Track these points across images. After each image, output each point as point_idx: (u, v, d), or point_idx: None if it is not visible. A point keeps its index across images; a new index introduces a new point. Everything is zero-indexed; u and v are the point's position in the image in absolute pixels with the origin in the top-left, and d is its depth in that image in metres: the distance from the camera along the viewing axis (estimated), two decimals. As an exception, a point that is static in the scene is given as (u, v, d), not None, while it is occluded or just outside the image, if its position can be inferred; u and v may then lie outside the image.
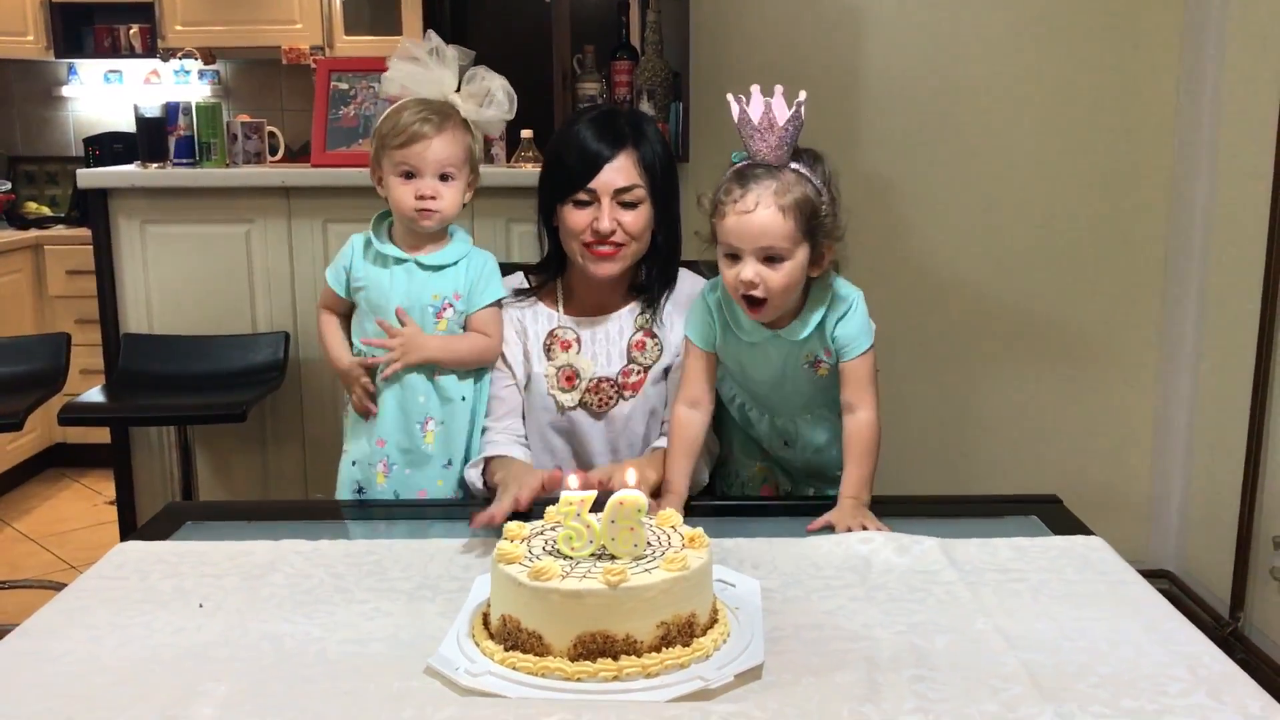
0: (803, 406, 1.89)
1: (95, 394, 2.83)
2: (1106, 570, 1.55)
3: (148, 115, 3.03)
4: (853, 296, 1.81)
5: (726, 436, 2.05)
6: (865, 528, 1.67)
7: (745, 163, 1.72)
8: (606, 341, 2.03)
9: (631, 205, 1.94)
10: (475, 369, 2.05)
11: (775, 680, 1.24)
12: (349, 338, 2.09)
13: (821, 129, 3.16)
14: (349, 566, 1.57)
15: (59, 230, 4.72)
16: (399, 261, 2.03)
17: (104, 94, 5.17)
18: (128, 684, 1.25)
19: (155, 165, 3.00)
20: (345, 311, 2.11)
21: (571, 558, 1.29)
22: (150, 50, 4.95)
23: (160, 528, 1.77)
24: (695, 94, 3.04)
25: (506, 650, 1.26)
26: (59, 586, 1.50)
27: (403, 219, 2.02)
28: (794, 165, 1.70)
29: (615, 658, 1.23)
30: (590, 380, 2.00)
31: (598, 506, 1.32)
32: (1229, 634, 2.94)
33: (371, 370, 2.04)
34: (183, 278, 2.96)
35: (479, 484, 1.96)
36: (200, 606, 1.45)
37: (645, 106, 3.08)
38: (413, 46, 2.03)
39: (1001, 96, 3.22)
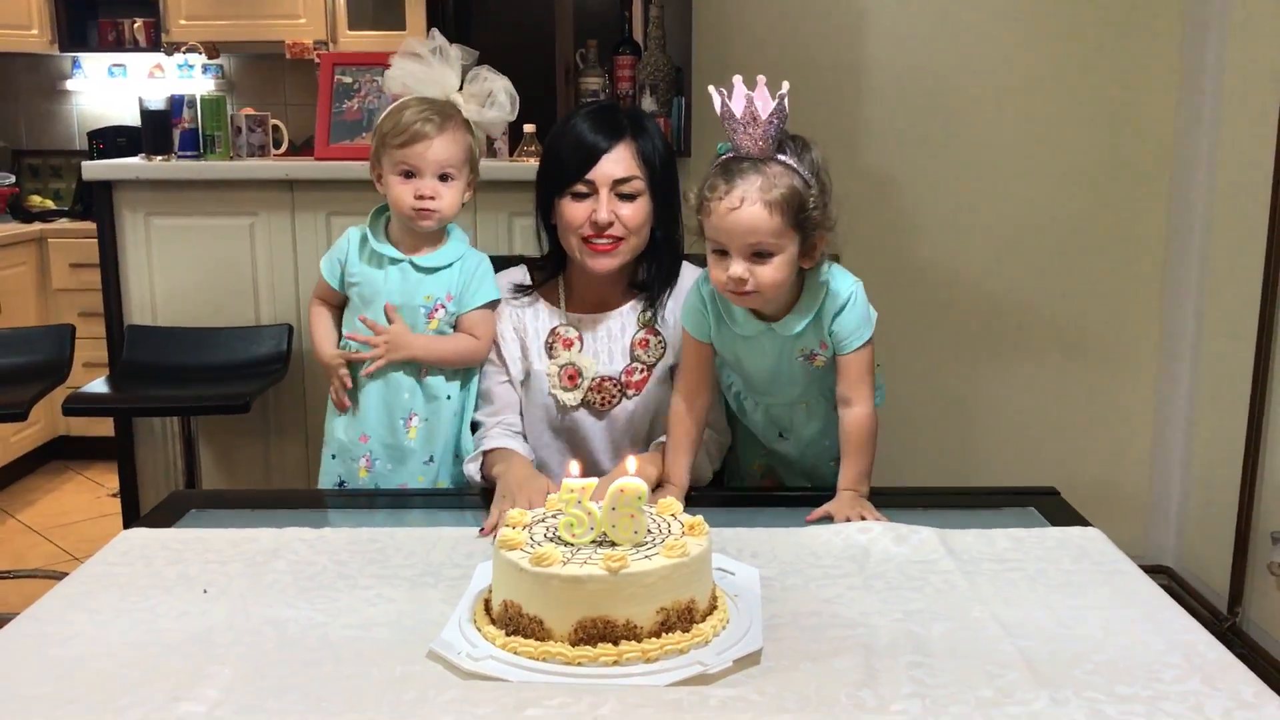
0: (798, 397, 1.88)
1: (99, 385, 2.84)
2: (1103, 560, 1.56)
3: (152, 108, 3.04)
4: (851, 289, 1.77)
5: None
6: (864, 518, 1.68)
7: (730, 155, 1.69)
8: (609, 339, 2.01)
9: (630, 197, 1.92)
10: (462, 370, 2.06)
11: (774, 666, 1.26)
12: (341, 331, 2.10)
13: (824, 124, 3.19)
14: (352, 554, 1.58)
15: (62, 224, 4.74)
16: (394, 261, 2.04)
17: (108, 88, 5.18)
18: (133, 667, 1.26)
19: (160, 158, 3.00)
20: (338, 304, 2.11)
21: (572, 544, 1.31)
22: (154, 44, 4.95)
23: (164, 515, 1.78)
24: (697, 89, 3.06)
25: (508, 635, 1.28)
26: (62, 577, 1.52)
27: (401, 217, 2.03)
28: (780, 156, 1.66)
29: (615, 643, 1.24)
30: (593, 379, 1.99)
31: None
32: (1227, 629, 2.95)
33: (354, 365, 2.04)
34: (187, 270, 2.97)
35: (477, 477, 1.96)
36: (204, 592, 1.46)
37: (647, 101, 3.09)
38: (416, 45, 2.04)
39: (1002, 92, 3.23)
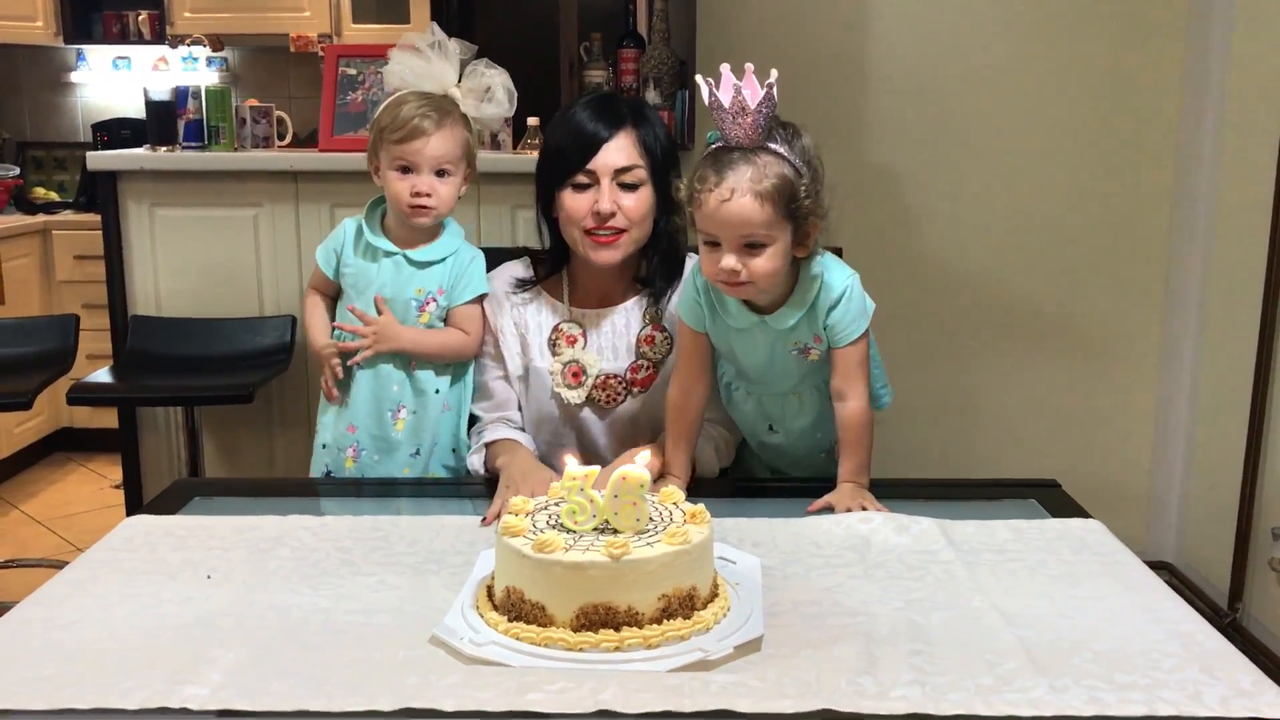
0: (791, 388, 1.87)
1: (103, 375, 2.85)
2: (1103, 551, 1.57)
3: (157, 99, 3.04)
4: (846, 282, 1.75)
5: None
6: (865, 509, 1.69)
7: (720, 145, 1.66)
8: (613, 335, 1.99)
9: (632, 187, 1.89)
10: (453, 364, 2.07)
11: (774, 653, 1.26)
12: (334, 322, 2.11)
13: (826, 117, 3.20)
14: (355, 541, 1.59)
15: (66, 215, 4.75)
16: (388, 254, 2.05)
17: (112, 80, 5.19)
18: (137, 650, 1.27)
19: (164, 149, 3.01)
20: (333, 294, 2.12)
21: (575, 531, 1.32)
22: (159, 37, 4.96)
23: (168, 503, 1.79)
24: (706, 78, 3.06)
25: (510, 621, 1.28)
26: (65, 567, 1.52)
27: (397, 212, 2.04)
28: (770, 145, 1.63)
29: (617, 629, 1.25)
30: (597, 377, 1.97)
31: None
32: (1228, 625, 2.95)
33: (345, 355, 2.04)
34: (191, 260, 2.98)
35: (481, 470, 1.97)
36: (208, 578, 1.47)
37: (651, 94, 3.10)
38: (415, 39, 2.04)
39: (1006, 88, 3.23)
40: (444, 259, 2.06)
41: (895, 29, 3.22)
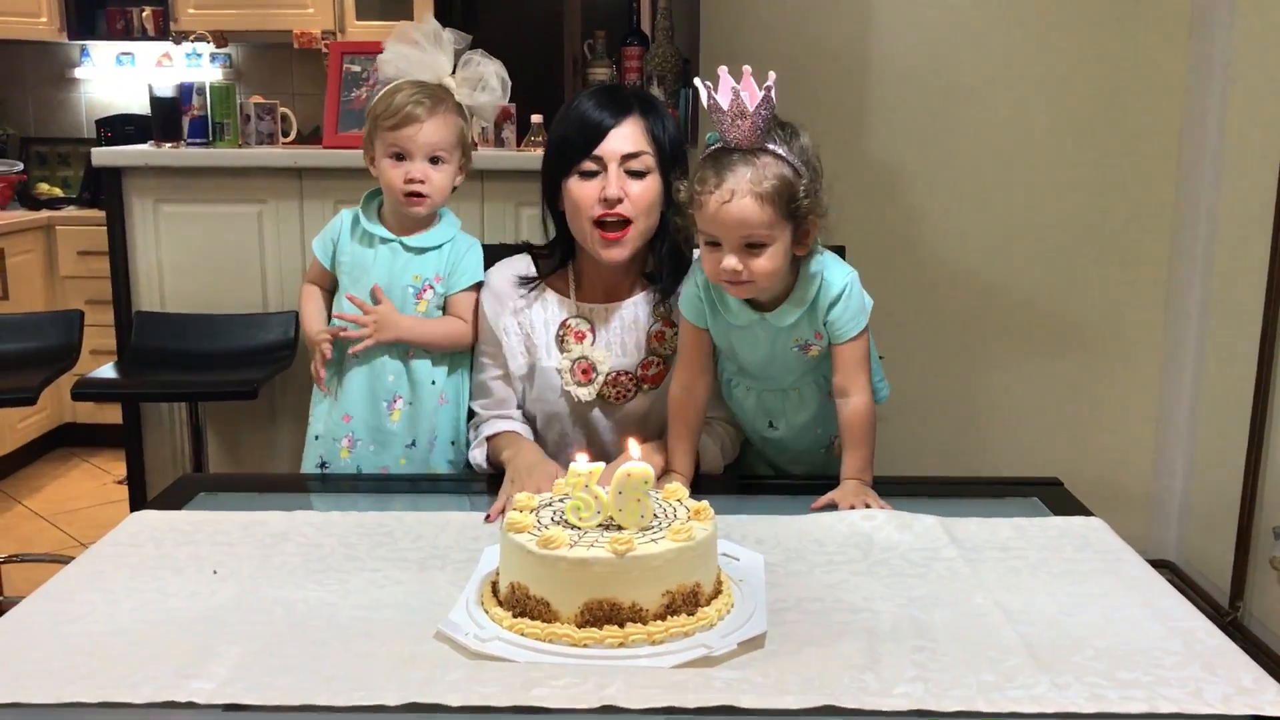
0: (791, 384, 1.87)
1: (108, 370, 2.85)
2: (1105, 549, 1.57)
3: (162, 95, 3.05)
4: (845, 280, 1.76)
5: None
6: (868, 505, 1.69)
7: (719, 146, 1.67)
8: (622, 330, 1.96)
9: (640, 174, 1.86)
10: (451, 355, 2.07)
11: (778, 649, 1.27)
12: (331, 314, 2.11)
13: (830, 115, 3.20)
14: (360, 537, 1.60)
15: (70, 211, 4.75)
16: (384, 241, 2.06)
17: (116, 76, 5.19)
18: (144, 644, 1.28)
19: (169, 145, 3.02)
20: (330, 287, 2.13)
21: (579, 528, 1.32)
22: (162, 33, 4.96)
23: (174, 498, 1.80)
24: (705, 80, 3.06)
25: (515, 617, 1.29)
26: (69, 562, 1.53)
27: (392, 200, 2.04)
28: (769, 146, 1.64)
29: (621, 625, 1.26)
30: (609, 374, 1.94)
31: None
32: (1228, 623, 2.96)
33: (341, 346, 2.05)
34: (195, 256, 2.98)
35: (484, 464, 1.97)
36: (214, 573, 1.47)
37: (655, 92, 3.10)
38: (410, 29, 2.05)
39: (1010, 86, 3.23)
40: (440, 246, 2.07)
41: (899, 27, 3.22)
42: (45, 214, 4.65)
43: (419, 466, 2.07)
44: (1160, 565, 3.28)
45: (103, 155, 2.99)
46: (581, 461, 1.36)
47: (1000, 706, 1.15)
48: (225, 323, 2.96)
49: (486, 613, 1.32)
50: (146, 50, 5.14)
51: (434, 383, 2.05)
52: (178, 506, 1.74)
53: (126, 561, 1.51)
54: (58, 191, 5.05)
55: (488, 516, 1.68)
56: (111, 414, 3.64)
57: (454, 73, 2.06)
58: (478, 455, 1.99)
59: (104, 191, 3.02)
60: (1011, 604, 1.39)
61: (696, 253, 1.96)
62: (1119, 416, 3.38)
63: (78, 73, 5.20)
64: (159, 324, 2.97)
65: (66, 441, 4.75)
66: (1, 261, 4.29)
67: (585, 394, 1.94)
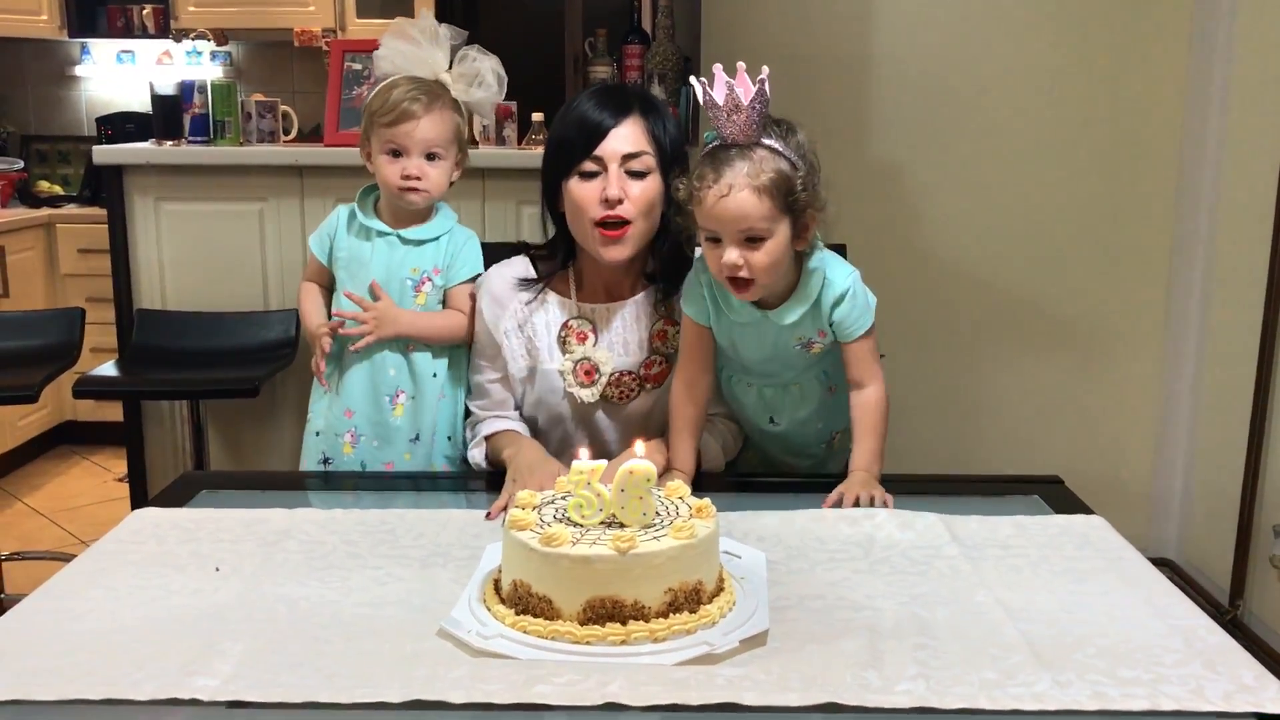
0: (792, 380, 1.88)
1: (109, 368, 2.86)
2: (1106, 547, 1.57)
3: (163, 93, 3.05)
4: (848, 280, 1.77)
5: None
6: (874, 498, 1.69)
7: (717, 143, 1.69)
8: (624, 329, 1.95)
9: (640, 175, 1.84)
10: (450, 348, 2.07)
11: (780, 647, 1.27)
12: (330, 311, 2.12)
13: (830, 114, 3.20)
14: (362, 534, 1.60)
15: (71, 209, 4.75)
16: (381, 234, 2.06)
17: (116, 74, 5.19)
18: (147, 641, 1.28)
19: (170, 143, 3.02)
20: (328, 284, 2.13)
21: (581, 525, 1.32)
22: (163, 31, 4.97)
23: (175, 495, 1.80)
24: (701, 78, 3.06)
25: (517, 614, 1.29)
26: (70, 560, 1.53)
27: (388, 195, 2.05)
28: (766, 141, 1.66)
29: (623, 622, 1.26)
30: (612, 374, 1.93)
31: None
32: (1228, 621, 2.96)
33: (341, 342, 2.05)
34: (196, 254, 2.99)
35: (483, 464, 1.97)
36: (217, 570, 1.48)
37: (656, 90, 3.10)
38: (407, 25, 2.06)
39: (1009, 83, 3.23)
40: (438, 238, 2.07)
41: (900, 25, 3.22)
42: (46, 212, 4.65)
43: (423, 461, 2.07)
44: (1160, 563, 3.28)
45: (104, 153, 3.00)
46: (583, 459, 1.36)
47: (1002, 704, 1.16)
48: (226, 321, 2.97)
49: (489, 610, 1.32)
50: (147, 48, 5.14)
51: (435, 375, 2.06)
52: (179, 504, 1.74)
53: (129, 559, 1.51)
54: (58, 189, 5.05)
55: (489, 514, 1.68)
56: (112, 412, 3.65)
57: (450, 69, 2.06)
58: (476, 455, 1.98)
59: (105, 189, 3.03)
60: (1013, 602, 1.39)
61: (699, 251, 1.96)
62: (1119, 415, 3.38)
63: (78, 70, 5.20)
64: (160, 322, 2.97)
65: (67, 439, 4.75)
66: (2, 259, 4.29)
67: (588, 395, 1.93)
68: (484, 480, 1.93)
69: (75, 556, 1.55)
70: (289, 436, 3.06)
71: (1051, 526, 1.64)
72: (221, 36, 4.94)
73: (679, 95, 3.12)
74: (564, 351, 1.94)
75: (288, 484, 2.01)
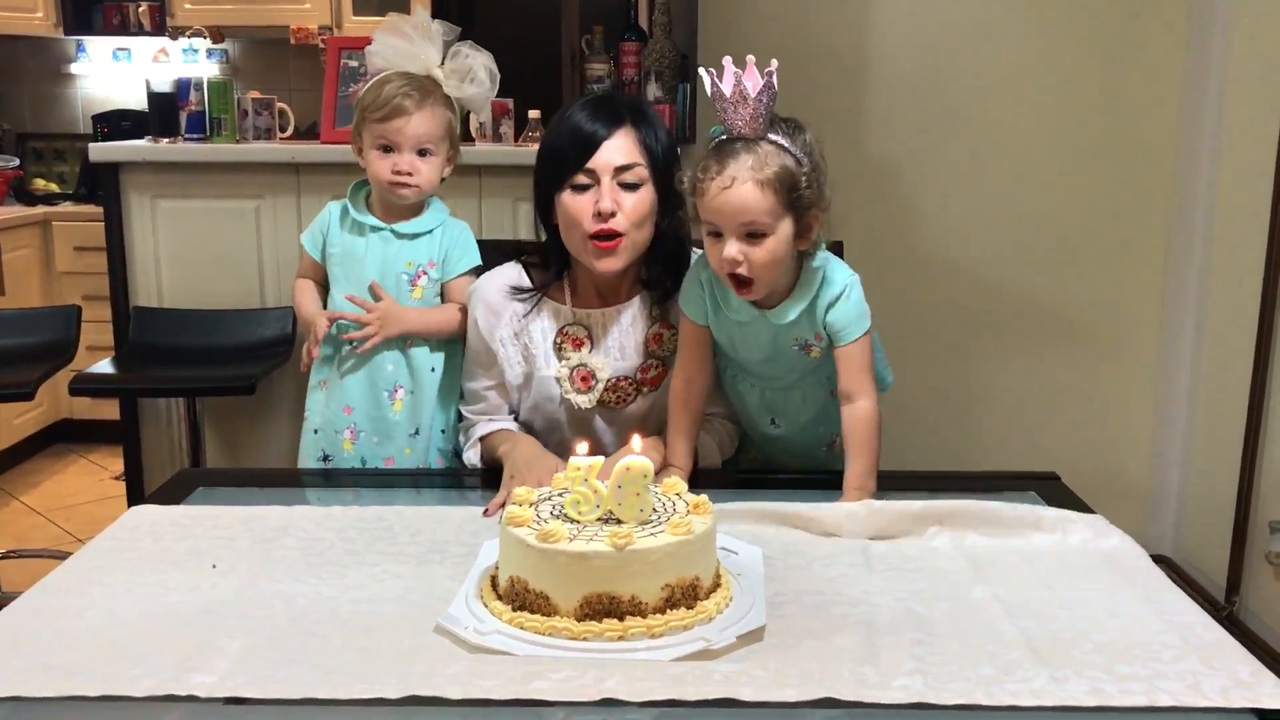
0: (794, 384, 1.87)
1: (105, 365, 2.85)
2: (1103, 544, 1.58)
3: (159, 90, 3.05)
4: (847, 281, 1.76)
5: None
6: None
7: (723, 137, 1.67)
8: (620, 334, 1.94)
9: (633, 187, 1.83)
10: (447, 342, 2.07)
11: (777, 642, 1.27)
12: (326, 307, 2.12)
13: (828, 111, 3.21)
14: (359, 531, 1.60)
15: (67, 207, 4.75)
16: (375, 229, 2.06)
17: (112, 72, 5.18)
18: (145, 638, 1.28)
19: (166, 140, 3.02)
20: (322, 280, 2.14)
21: (579, 521, 1.32)
22: (159, 28, 4.96)
23: (172, 493, 1.80)
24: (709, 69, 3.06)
25: (514, 610, 1.29)
26: (66, 558, 1.53)
27: (379, 190, 2.05)
28: (772, 136, 1.65)
29: (620, 618, 1.26)
30: (609, 380, 1.92)
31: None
32: (1225, 617, 2.96)
33: (337, 338, 2.05)
34: (193, 252, 2.98)
35: (478, 465, 1.96)
36: (214, 567, 1.48)
37: (653, 88, 3.10)
38: (399, 21, 2.06)
39: (1007, 80, 3.24)
40: (431, 230, 2.07)
41: (897, 22, 3.22)
42: (42, 210, 4.65)
43: (422, 456, 2.07)
44: (1157, 560, 3.25)
45: (100, 151, 2.99)
46: (581, 455, 1.36)
47: (999, 700, 1.16)
48: (223, 318, 2.96)
49: (486, 606, 1.32)
50: (143, 46, 5.13)
51: (433, 370, 2.06)
52: (176, 501, 1.74)
53: (126, 556, 1.51)
54: (54, 187, 5.05)
55: (487, 511, 1.68)
56: (109, 409, 3.64)
57: (442, 64, 2.06)
58: (471, 456, 1.98)
59: (101, 187, 3.02)
60: (1010, 598, 1.39)
61: (698, 251, 1.95)
62: (1116, 411, 3.38)
63: (74, 68, 5.19)
64: (156, 319, 2.97)
65: (64, 437, 4.74)
66: (-2, 257, 4.29)
67: (585, 401, 1.92)
68: (481, 477, 1.93)
69: (71, 555, 1.54)
70: (285, 434, 3.05)
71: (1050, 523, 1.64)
72: (218, 34, 4.93)
73: (676, 92, 3.11)
74: (560, 358, 1.93)
75: (285, 481, 2.01)
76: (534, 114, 2.97)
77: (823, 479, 1.80)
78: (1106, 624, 1.33)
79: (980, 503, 1.63)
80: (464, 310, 2.03)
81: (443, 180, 2.09)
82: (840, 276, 1.76)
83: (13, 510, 4.07)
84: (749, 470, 2.05)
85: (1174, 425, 3.31)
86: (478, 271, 2.07)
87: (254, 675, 1.19)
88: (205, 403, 2.97)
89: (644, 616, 1.26)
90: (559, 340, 1.93)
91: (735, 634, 1.26)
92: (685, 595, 1.29)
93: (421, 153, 2.02)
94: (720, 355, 1.90)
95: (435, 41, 2.05)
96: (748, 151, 1.64)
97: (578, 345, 1.92)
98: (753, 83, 1.62)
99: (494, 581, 1.36)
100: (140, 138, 3.15)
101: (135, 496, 3.04)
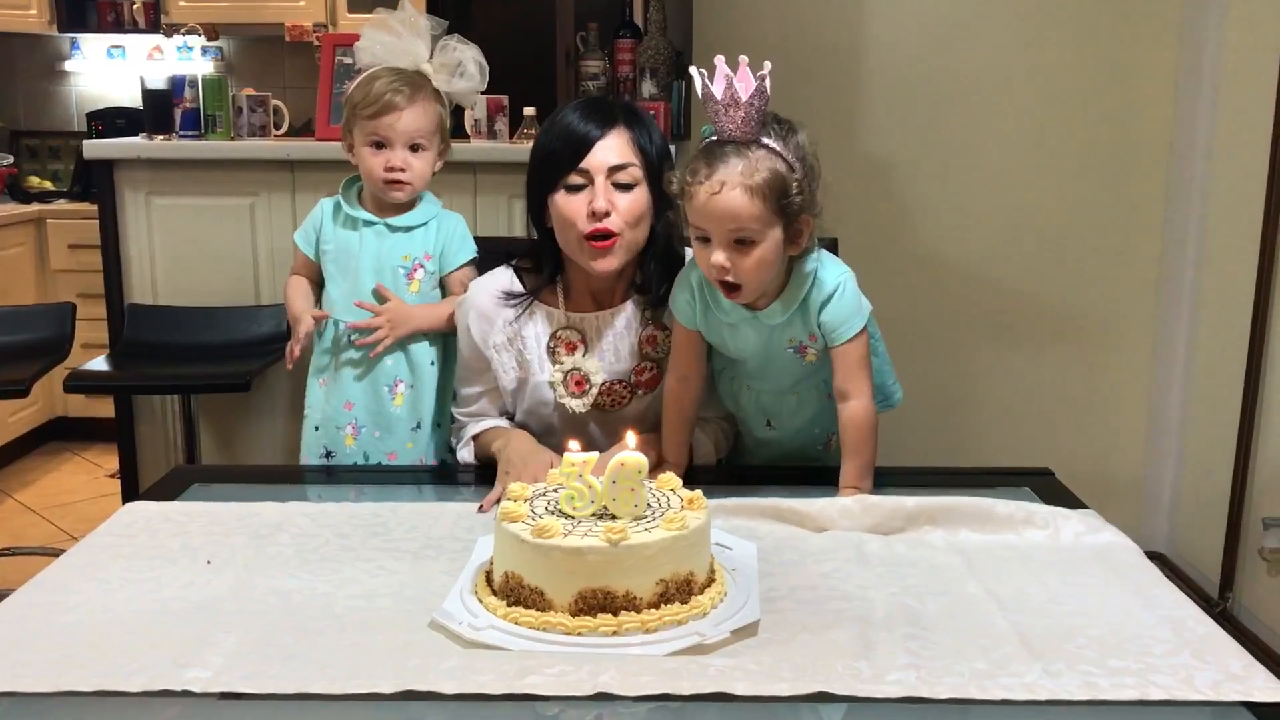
0: (789, 387, 1.85)
1: (100, 363, 2.85)
2: (1097, 539, 1.58)
3: (154, 88, 3.04)
4: (840, 279, 1.73)
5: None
6: None
7: (713, 139, 1.64)
8: (614, 337, 1.92)
9: (627, 187, 1.82)
10: (444, 336, 2.08)
11: (771, 637, 1.27)
12: (321, 304, 2.13)
13: (823, 108, 3.21)
14: (354, 527, 1.60)
15: (61, 204, 4.75)
16: (369, 224, 2.06)
17: (107, 69, 5.18)
18: (139, 634, 1.28)
19: (161, 137, 3.02)
20: (316, 278, 2.14)
21: (573, 517, 1.32)
22: (153, 26, 4.95)
23: (167, 489, 1.80)
24: (700, 69, 3.07)
25: (509, 606, 1.29)
26: (60, 555, 1.53)
27: (373, 188, 2.05)
28: (764, 140, 1.61)
29: (615, 613, 1.26)
30: (603, 384, 1.91)
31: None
32: (1218, 613, 2.97)
33: (337, 343, 2.06)
34: (187, 249, 2.98)
35: (472, 462, 1.96)
36: (208, 563, 1.48)
37: (648, 85, 3.10)
38: (387, 16, 2.06)
39: (1003, 79, 3.24)
40: (426, 223, 2.08)
41: (892, 19, 3.23)
42: (36, 207, 4.64)
43: (424, 450, 2.07)
44: (1151, 556, 3.26)
45: (94, 148, 2.99)
46: (575, 451, 1.37)
47: (993, 694, 1.16)
48: (218, 315, 2.96)
49: (481, 602, 1.32)
50: (137, 43, 5.13)
51: (433, 363, 2.06)
52: (171, 498, 1.74)
53: (120, 552, 1.51)
54: (48, 185, 5.04)
55: (482, 507, 1.68)
56: (104, 407, 3.64)
57: (431, 59, 2.06)
58: (465, 454, 1.97)
59: (95, 184, 3.02)
60: (1003, 593, 1.40)
61: (689, 253, 1.94)
62: (1110, 408, 3.39)
63: (68, 65, 5.19)
64: (151, 317, 2.97)
65: (58, 435, 4.74)
66: (-8, 255, 4.29)
67: (579, 406, 1.91)
68: (476, 473, 1.93)
69: (70, 549, 1.54)
70: (281, 431, 3.06)
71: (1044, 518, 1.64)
72: (212, 31, 4.93)
73: (671, 90, 3.11)
74: (554, 362, 1.92)
75: (280, 477, 2.01)
76: (529, 111, 2.96)
77: (818, 475, 1.80)
78: (1099, 618, 1.33)
79: (973, 500, 1.63)
80: None
81: (434, 174, 2.09)
82: (832, 276, 1.74)
83: (7, 508, 4.06)
84: (743, 466, 2.05)
85: (1168, 422, 3.31)
86: (476, 262, 2.07)
87: (249, 670, 1.19)
88: (200, 400, 2.97)
89: (638, 611, 1.27)
90: (552, 345, 1.92)
91: (729, 629, 1.26)
92: (680, 590, 1.30)
93: (414, 148, 2.02)
94: (716, 360, 1.89)
95: (423, 36, 2.05)
96: (738, 156, 1.61)
97: (571, 349, 1.91)
98: (744, 85, 1.58)
99: (489, 577, 1.37)
100: (135, 135, 3.15)
101: (130, 494, 3.04)
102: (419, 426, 2.07)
